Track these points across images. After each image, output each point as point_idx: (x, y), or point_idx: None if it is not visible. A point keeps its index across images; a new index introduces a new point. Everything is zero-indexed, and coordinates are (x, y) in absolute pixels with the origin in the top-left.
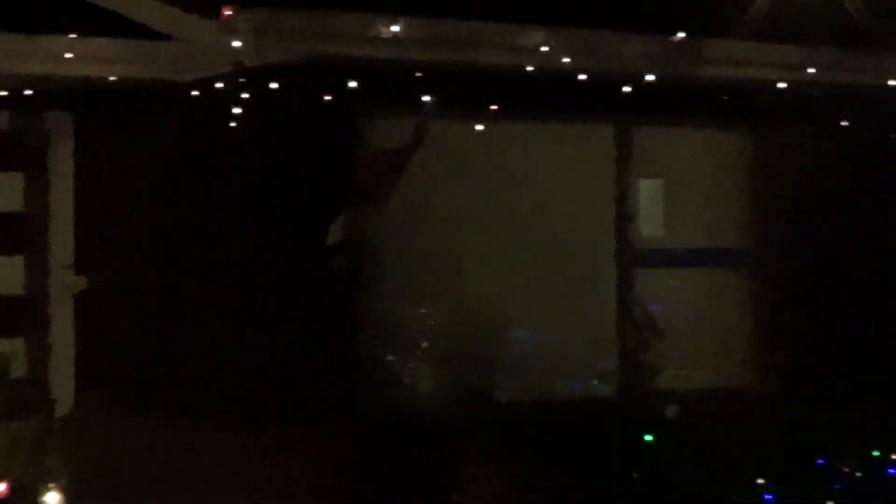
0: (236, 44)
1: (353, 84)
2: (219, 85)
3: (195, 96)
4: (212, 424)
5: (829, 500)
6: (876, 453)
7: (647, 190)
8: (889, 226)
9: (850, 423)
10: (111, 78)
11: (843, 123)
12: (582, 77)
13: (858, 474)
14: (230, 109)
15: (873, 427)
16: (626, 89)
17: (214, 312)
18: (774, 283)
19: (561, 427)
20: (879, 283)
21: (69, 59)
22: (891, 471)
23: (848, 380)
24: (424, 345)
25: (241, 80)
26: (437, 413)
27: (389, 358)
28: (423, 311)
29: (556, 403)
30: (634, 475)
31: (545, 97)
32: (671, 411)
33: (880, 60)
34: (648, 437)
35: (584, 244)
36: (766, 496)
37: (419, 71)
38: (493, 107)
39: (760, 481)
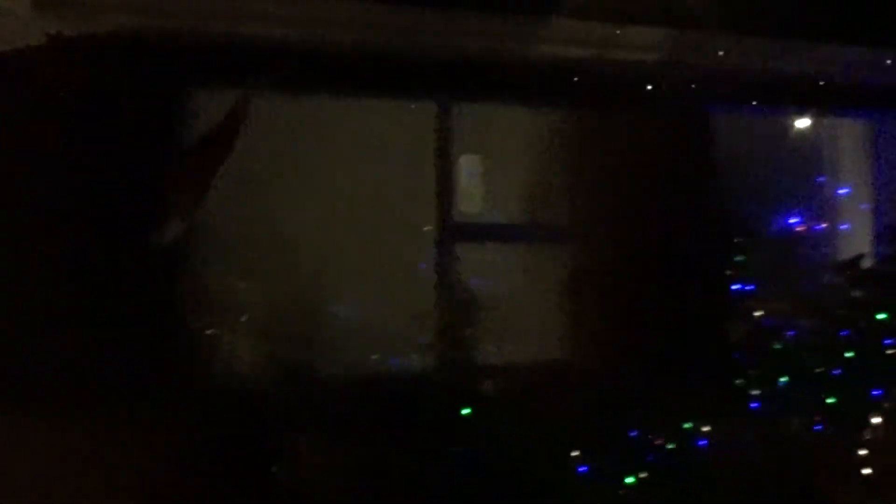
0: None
1: (173, 59)
2: (32, 57)
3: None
4: (30, 407)
5: (642, 471)
6: (687, 426)
7: (468, 166)
8: (705, 205)
9: (661, 396)
10: None
11: (664, 102)
12: (403, 54)
13: (670, 446)
14: (42, 83)
15: (684, 400)
16: (448, 66)
17: (25, 293)
18: (591, 259)
19: (381, 401)
20: (692, 261)
21: None
22: (701, 442)
23: (661, 354)
24: (244, 319)
25: (55, 52)
26: (257, 387)
27: (209, 332)
28: (242, 285)
29: (375, 378)
30: (452, 448)
31: (366, 74)
32: (489, 385)
33: (700, 39)
34: (466, 411)
35: (404, 220)
36: (580, 468)
37: (240, 46)
38: (315, 83)
39: (575, 454)
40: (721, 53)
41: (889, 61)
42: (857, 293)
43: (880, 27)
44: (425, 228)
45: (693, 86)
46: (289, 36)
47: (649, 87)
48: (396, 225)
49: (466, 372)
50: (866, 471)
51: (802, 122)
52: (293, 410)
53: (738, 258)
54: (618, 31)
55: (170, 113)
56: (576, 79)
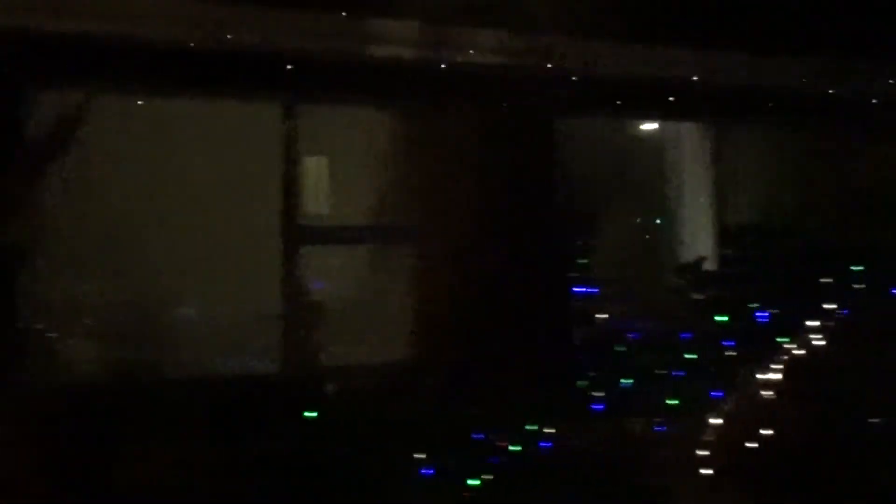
0: None
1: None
2: None
3: None
4: None
5: (486, 473)
6: (531, 427)
7: (313, 167)
8: (548, 207)
9: (505, 398)
10: None
11: (509, 104)
12: (248, 53)
13: (514, 448)
14: None
15: (528, 402)
16: (291, 66)
17: None
18: (435, 261)
19: (225, 403)
20: (535, 263)
21: None
22: (544, 444)
23: (504, 356)
24: (86, 321)
25: None
26: (99, 389)
27: (51, 335)
28: (85, 286)
29: (220, 380)
30: (296, 451)
31: (210, 74)
32: (333, 387)
33: (543, 43)
34: (311, 413)
35: (249, 222)
36: (424, 470)
37: (82, 44)
38: (158, 83)
39: (419, 456)
40: (565, 57)
41: (731, 65)
42: (698, 296)
43: (723, 30)
44: (271, 231)
45: (537, 88)
46: (130, 34)
47: (493, 90)
48: (242, 227)
49: (311, 374)
50: (706, 471)
51: (646, 126)
52: (135, 412)
53: (580, 261)
54: (460, 33)
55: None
56: (421, 80)
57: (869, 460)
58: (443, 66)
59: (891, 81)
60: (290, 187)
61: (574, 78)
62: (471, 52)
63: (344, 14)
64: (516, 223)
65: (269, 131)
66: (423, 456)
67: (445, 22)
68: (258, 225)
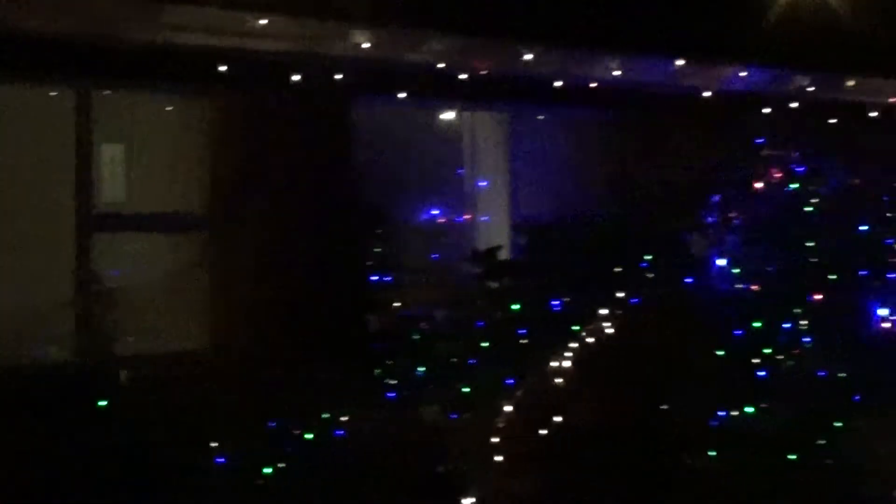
0: None
1: None
2: None
3: None
4: None
5: (281, 462)
6: (325, 416)
7: (109, 155)
8: (345, 196)
9: (300, 386)
10: None
11: (305, 94)
12: (42, 39)
13: (308, 436)
14: None
15: (323, 390)
16: (87, 52)
17: None
18: (232, 250)
19: (16, 392)
20: (332, 251)
21: None
22: (339, 432)
23: (300, 344)
24: None
25: None
26: None
27: None
28: None
29: (11, 369)
30: (89, 440)
31: (2, 58)
32: (127, 376)
33: (341, 31)
34: (102, 402)
35: (42, 209)
36: (218, 459)
37: None
38: None
39: (213, 444)
40: (363, 45)
41: (526, 56)
42: (493, 284)
43: (517, 21)
44: (65, 218)
45: (334, 77)
46: None
47: (291, 78)
48: (35, 215)
49: (104, 363)
50: (499, 458)
51: (443, 115)
52: None
53: (377, 249)
54: (260, 22)
55: None
56: (219, 68)
57: (657, 443)
58: (240, 53)
59: (677, 73)
60: (85, 175)
61: (372, 67)
62: (267, 39)
63: (140, 0)
64: (311, 212)
65: (64, 118)
66: (216, 444)
67: (240, 8)
68: (52, 212)
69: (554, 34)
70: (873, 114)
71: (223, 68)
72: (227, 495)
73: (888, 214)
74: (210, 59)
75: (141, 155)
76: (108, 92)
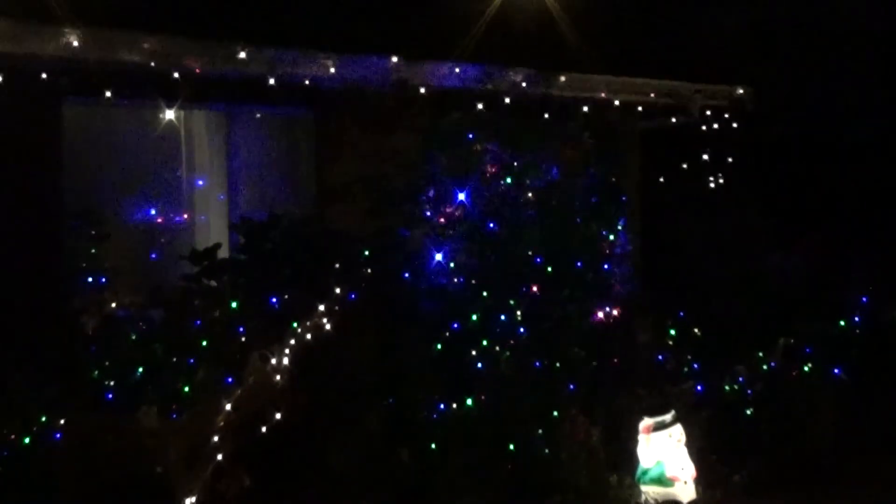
0: None
1: None
2: None
3: None
4: None
5: None
6: (42, 419)
7: None
8: (58, 198)
9: (16, 390)
10: None
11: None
12: None
13: (26, 440)
14: None
15: (40, 394)
16: None
17: None
18: None
19: None
20: (45, 253)
21: None
22: (57, 435)
23: (14, 348)
24: None
25: None
26: None
27: None
28: None
29: None
30: None
31: None
32: None
33: (51, 32)
34: None
35: None
36: None
37: None
38: None
39: None
40: (73, 45)
41: (242, 54)
42: (211, 283)
43: (231, 20)
44: None
45: (42, 77)
46: None
47: None
48: None
49: None
50: (217, 455)
51: (160, 115)
52: None
53: (92, 250)
54: None
55: None
56: None
57: (379, 437)
58: None
59: (391, 70)
60: None
61: (85, 66)
62: None
63: None
64: (17, 214)
65: None
66: None
67: None
68: None
69: (267, 33)
70: (584, 109)
71: None
72: None
73: (600, 205)
74: None
75: None
76: None
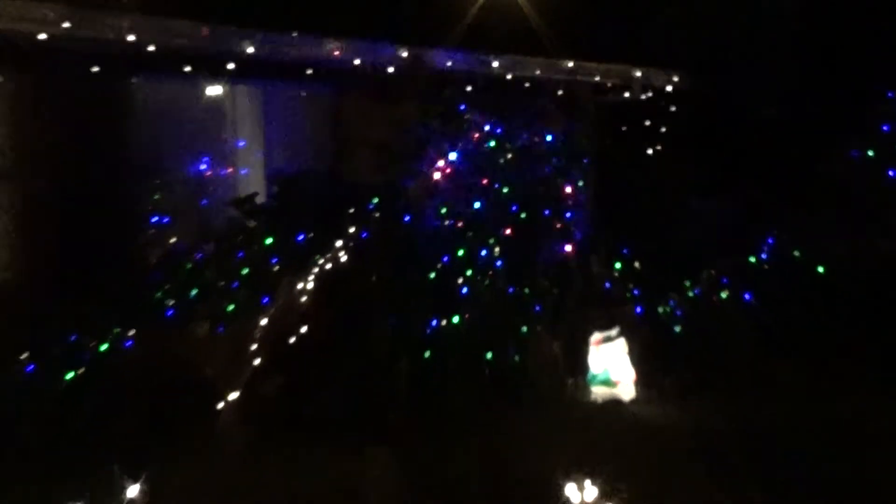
0: None
1: None
2: None
3: None
4: None
5: (79, 368)
6: (116, 330)
7: None
8: (129, 155)
9: (95, 306)
10: None
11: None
12: None
13: (103, 347)
14: None
15: (114, 309)
16: None
17: None
18: (34, 195)
19: None
20: (119, 200)
21: None
22: (128, 343)
23: (95, 273)
24: None
25: None
26: None
27: None
28: None
29: None
30: None
31: None
32: None
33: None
34: None
35: None
36: (28, 368)
37: None
38: None
39: (23, 355)
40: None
41: (278, 40)
42: (251, 224)
43: (272, 11)
44: None
45: (107, 57)
46: None
47: (71, 58)
48: None
49: None
50: (255, 361)
51: (210, 90)
52: None
53: (154, 196)
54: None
55: None
56: (16, 49)
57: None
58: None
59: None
60: None
61: (142, 49)
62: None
63: None
64: (100, 169)
65: None
66: (26, 355)
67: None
68: None
69: (299, 23)
70: (562, 93)
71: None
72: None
73: (565, 165)
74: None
75: None
76: None
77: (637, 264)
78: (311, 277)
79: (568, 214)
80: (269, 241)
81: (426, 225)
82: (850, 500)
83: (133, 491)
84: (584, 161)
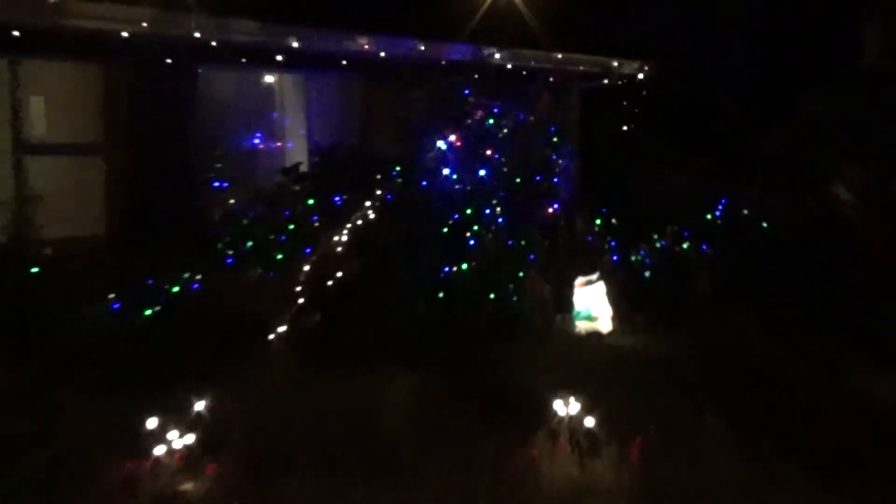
0: None
1: None
2: None
3: None
4: None
5: (156, 306)
6: (186, 275)
7: (35, 104)
8: (196, 130)
9: (166, 255)
10: None
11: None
12: None
13: (175, 289)
14: None
15: (183, 258)
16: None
17: None
18: (121, 167)
19: None
20: (189, 166)
21: None
22: (195, 286)
23: (165, 229)
24: None
25: None
26: None
27: None
28: None
29: None
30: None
31: None
32: (50, 252)
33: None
34: (35, 270)
35: None
36: (114, 305)
37: None
38: None
39: (111, 295)
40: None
41: (318, 36)
42: (295, 188)
43: (312, 10)
44: (5, 146)
45: (178, 50)
46: None
47: (151, 50)
48: None
49: (34, 244)
50: (300, 300)
51: (262, 78)
52: None
53: (216, 165)
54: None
55: None
56: (104, 46)
57: (404, 289)
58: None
59: (414, 47)
60: (18, 116)
61: (213, 43)
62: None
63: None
64: (173, 143)
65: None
66: (113, 295)
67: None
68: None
69: (335, 21)
70: (551, 79)
71: (108, 46)
72: (122, 330)
73: (554, 139)
74: (102, 39)
75: (56, 103)
76: (30, 60)
77: (614, 221)
78: (345, 232)
79: (556, 180)
80: (310, 202)
81: (439, 188)
82: (787, 409)
83: (200, 405)
84: (570, 136)
